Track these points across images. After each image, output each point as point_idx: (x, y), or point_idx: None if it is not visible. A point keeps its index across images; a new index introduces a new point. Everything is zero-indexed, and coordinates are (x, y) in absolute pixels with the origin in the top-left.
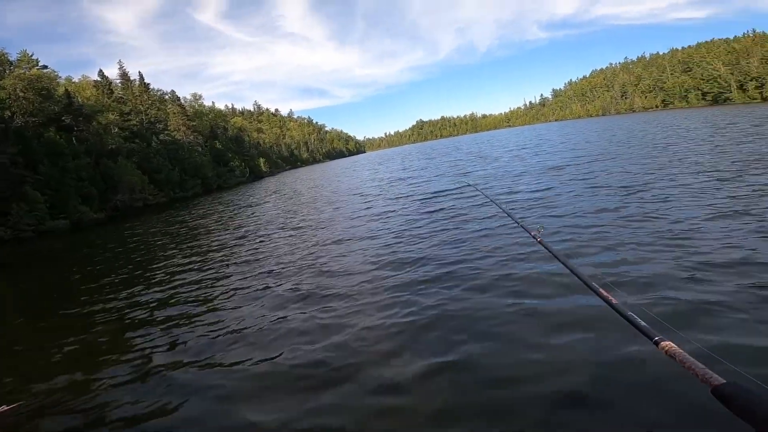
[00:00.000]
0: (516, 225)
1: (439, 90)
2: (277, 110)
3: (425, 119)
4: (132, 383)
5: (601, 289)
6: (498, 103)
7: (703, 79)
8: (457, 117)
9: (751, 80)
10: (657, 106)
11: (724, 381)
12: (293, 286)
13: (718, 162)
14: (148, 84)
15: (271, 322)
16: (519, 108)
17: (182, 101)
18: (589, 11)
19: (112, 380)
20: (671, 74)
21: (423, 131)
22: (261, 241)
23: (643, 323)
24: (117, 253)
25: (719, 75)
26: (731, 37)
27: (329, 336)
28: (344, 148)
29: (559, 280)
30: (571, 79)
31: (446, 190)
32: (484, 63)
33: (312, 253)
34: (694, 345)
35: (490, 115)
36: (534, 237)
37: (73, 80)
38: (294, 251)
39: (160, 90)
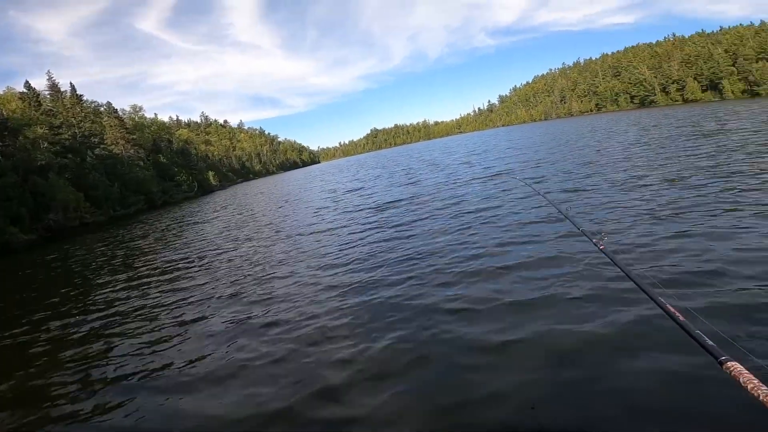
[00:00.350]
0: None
1: (393, 97)
2: (226, 121)
3: (379, 127)
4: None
5: (668, 305)
6: (449, 110)
7: (631, 83)
8: (411, 124)
9: (672, 83)
10: (592, 110)
11: None
12: (240, 305)
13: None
14: (81, 95)
15: (216, 346)
16: (469, 114)
17: (120, 113)
18: (532, 18)
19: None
20: (603, 79)
21: (377, 139)
22: (206, 260)
23: (710, 342)
24: (50, 276)
25: (644, 79)
26: (654, 42)
27: (283, 360)
28: (298, 158)
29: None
30: (516, 85)
31: (398, 200)
32: (435, 70)
33: (259, 271)
34: (757, 363)
35: (442, 122)
36: (596, 245)
37: None
38: (241, 269)
39: (95, 102)
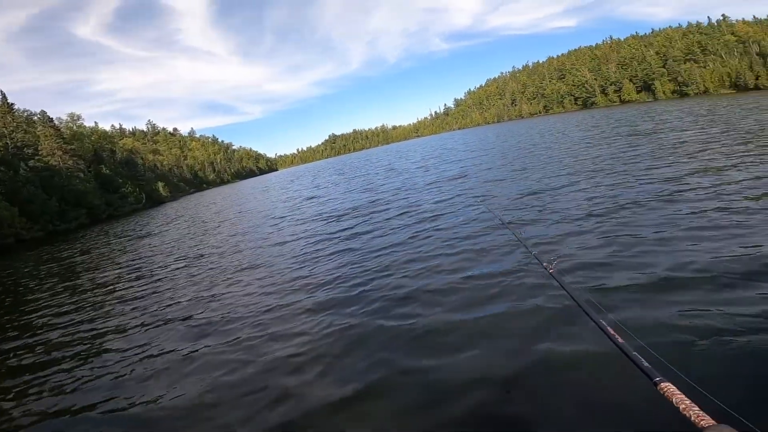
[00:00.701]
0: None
1: (351, 103)
2: (176, 129)
3: (338, 133)
4: None
5: (607, 327)
6: (407, 114)
7: (574, 85)
8: (369, 129)
9: (611, 85)
10: (540, 112)
11: (714, 423)
12: (193, 322)
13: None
14: (12, 104)
15: (167, 361)
16: (426, 118)
17: (57, 122)
18: (485, 22)
19: None
20: (550, 81)
21: (336, 145)
22: (155, 277)
23: (645, 363)
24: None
25: (586, 81)
26: (594, 45)
27: (239, 370)
28: (255, 166)
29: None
30: (470, 89)
31: (357, 207)
32: (393, 74)
33: (213, 287)
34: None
35: (400, 126)
36: (546, 269)
37: None
38: (193, 285)
39: (27, 110)
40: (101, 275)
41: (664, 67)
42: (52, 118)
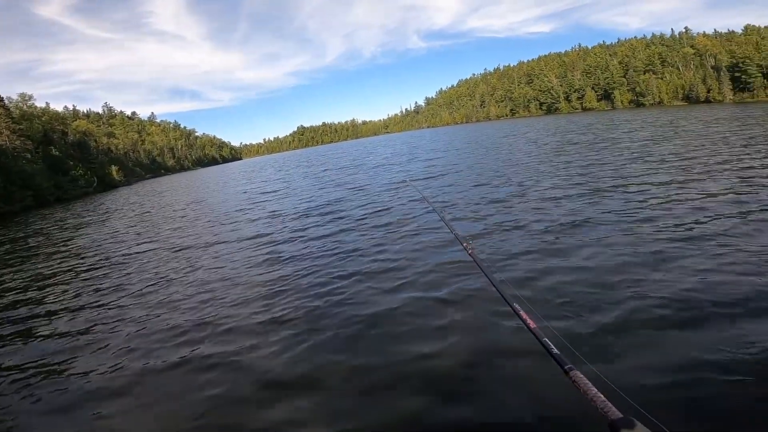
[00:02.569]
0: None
1: (323, 95)
2: (134, 113)
3: (307, 125)
4: None
5: (522, 311)
6: (378, 110)
7: (541, 90)
8: (339, 123)
9: (574, 92)
10: (507, 115)
11: (621, 415)
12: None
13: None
14: None
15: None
16: (396, 115)
17: (6, 101)
18: (464, 23)
19: None
20: (518, 85)
21: (304, 137)
22: (92, 269)
23: (555, 351)
24: None
25: (552, 87)
26: (563, 51)
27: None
28: (218, 154)
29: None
30: (441, 88)
31: (319, 206)
32: (367, 69)
33: (148, 287)
34: (601, 375)
35: (370, 121)
36: (465, 248)
37: None
38: (132, 284)
39: None
40: (45, 263)
41: (624, 77)
42: (1, 98)
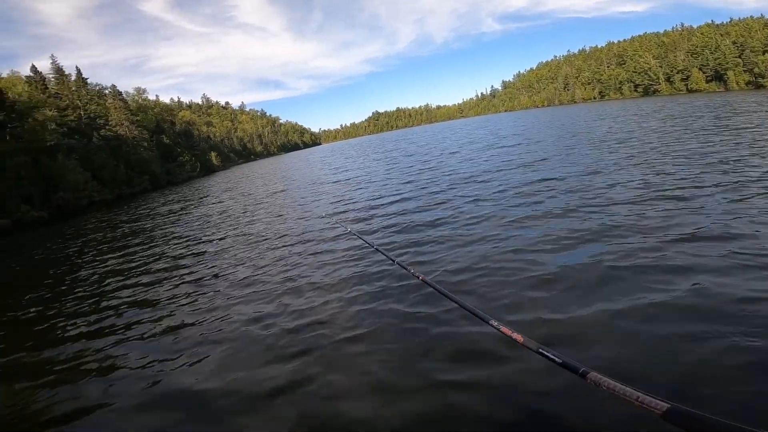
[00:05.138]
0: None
1: (396, 81)
2: (227, 103)
3: (381, 111)
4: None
5: (503, 327)
6: (452, 95)
7: (636, 72)
8: (412, 108)
9: (677, 73)
10: (595, 98)
11: (669, 405)
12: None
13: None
14: (86, 78)
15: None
16: (471, 99)
17: (124, 95)
18: (542, 3)
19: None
20: (608, 67)
21: (379, 122)
22: (212, 241)
23: (563, 357)
24: (63, 253)
25: (649, 68)
26: (661, 32)
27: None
28: (299, 140)
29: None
30: (519, 71)
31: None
32: (440, 54)
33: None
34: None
35: (444, 106)
36: (416, 276)
37: (1, 76)
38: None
39: (99, 84)
40: (169, 234)
41: (740, 57)
42: (120, 92)
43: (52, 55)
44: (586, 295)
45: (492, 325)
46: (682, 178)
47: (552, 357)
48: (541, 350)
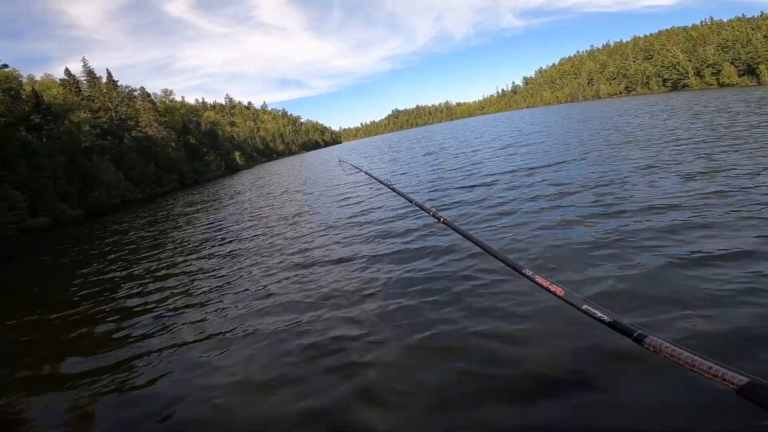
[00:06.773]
0: None
1: (416, 79)
2: (250, 103)
3: (401, 108)
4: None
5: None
6: (472, 91)
7: (664, 66)
8: (432, 105)
9: (707, 67)
10: (621, 93)
11: (749, 379)
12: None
13: None
14: (116, 81)
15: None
16: (492, 96)
17: (152, 97)
18: None
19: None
20: (634, 61)
21: (398, 120)
22: (241, 236)
23: (613, 316)
24: (105, 249)
25: (678, 62)
26: (690, 25)
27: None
28: (320, 139)
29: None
30: (541, 67)
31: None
32: (459, 51)
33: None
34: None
35: (465, 103)
36: (434, 217)
37: (36, 78)
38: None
39: (129, 86)
40: (197, 233)
41: None
42: (149, 94)
43: (83, 57)
44: None
45: (526, 275)
46: None
47: (600, 316)
48: (586, 307)
